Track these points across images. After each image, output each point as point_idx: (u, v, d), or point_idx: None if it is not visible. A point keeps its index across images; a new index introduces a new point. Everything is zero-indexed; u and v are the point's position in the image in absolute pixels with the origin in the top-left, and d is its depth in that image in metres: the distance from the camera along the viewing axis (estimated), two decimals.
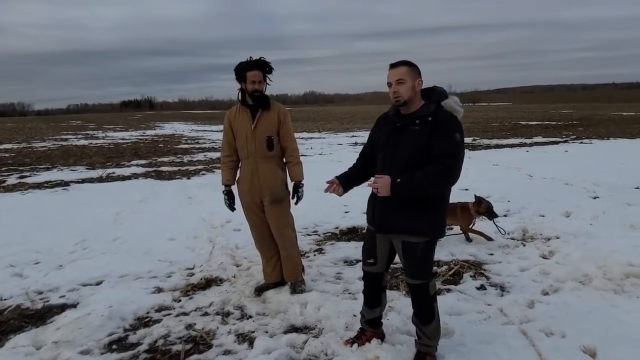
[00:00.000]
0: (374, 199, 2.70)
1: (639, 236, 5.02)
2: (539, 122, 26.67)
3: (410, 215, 2.56)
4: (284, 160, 3.79)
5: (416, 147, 2.50)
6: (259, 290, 3.90)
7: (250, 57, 3.57)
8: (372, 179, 2.60)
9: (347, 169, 2.88)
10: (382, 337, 3.02)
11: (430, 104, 2.55)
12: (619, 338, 2.96)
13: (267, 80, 3.64)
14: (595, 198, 6.99)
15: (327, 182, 2.80)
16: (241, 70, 3.53)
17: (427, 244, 2.61)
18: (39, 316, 3.57)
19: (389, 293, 3.63)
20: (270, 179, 3.66)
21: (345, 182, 2.79)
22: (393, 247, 2.76)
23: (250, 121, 3.61)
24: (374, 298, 2.94)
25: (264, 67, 3.57)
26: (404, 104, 2.57)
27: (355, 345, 2.94)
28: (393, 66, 2.57)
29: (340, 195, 2.81)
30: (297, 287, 3.83)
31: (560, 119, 29.90)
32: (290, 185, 3.79)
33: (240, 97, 3.65)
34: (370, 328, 2.99)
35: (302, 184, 3.83)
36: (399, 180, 2.45)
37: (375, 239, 2.80)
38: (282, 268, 3.90)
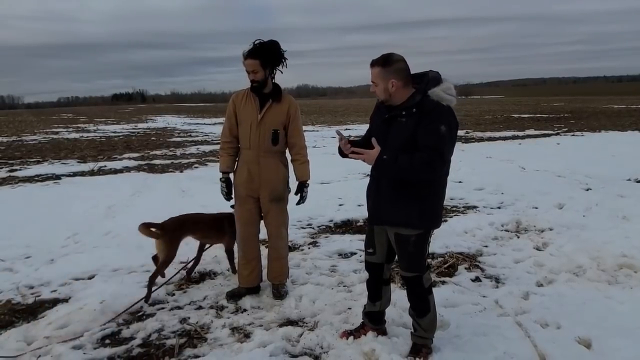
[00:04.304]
0: (369, 190, 2.71)
1: (631, 227, 5.05)
2: (531, 115, 26.78)
3: (400, 208, 2.55)
4: (291, 157, 3.56)
5: (403, 140, 2.47)
6: (233, 297, 3.61)
7: (254, 42, 3.26)
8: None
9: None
10: (383, 334, 2.97)
11: (417, 94, 2.48)
12: (614, 328, 2.98)
13: (280, 68, 3.37)
14: (587, 190, 7.03)
15: (337, 133, 2.71)
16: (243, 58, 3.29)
17: (418, 237, 2.59)
18: (30, 311, 3.52)
19: None
20: (272, 175, 3.46)
21: (356, 145, 2.65)
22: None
23: (257, 110, 3.38)
24: (374, 290, 2.92)
25: (259, 55, 3.24)
26: (384, 102, 2.56)
27: (352, 337, 2.93)
28: (370, 65, 2.53)
29: (344, 152, 2.62)
30: (282, 288, 3.65)
31: (552, 111, 30.04)
32: (293, 184, 3.59)
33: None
34: (370, 323, 2.97)
35: (308, 184, 3.61)
36: (385, 156, 2.43)
37: (373, 230, 2.79)
38: (268, 268, 3.67)
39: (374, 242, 2.81)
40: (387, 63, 2.47)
